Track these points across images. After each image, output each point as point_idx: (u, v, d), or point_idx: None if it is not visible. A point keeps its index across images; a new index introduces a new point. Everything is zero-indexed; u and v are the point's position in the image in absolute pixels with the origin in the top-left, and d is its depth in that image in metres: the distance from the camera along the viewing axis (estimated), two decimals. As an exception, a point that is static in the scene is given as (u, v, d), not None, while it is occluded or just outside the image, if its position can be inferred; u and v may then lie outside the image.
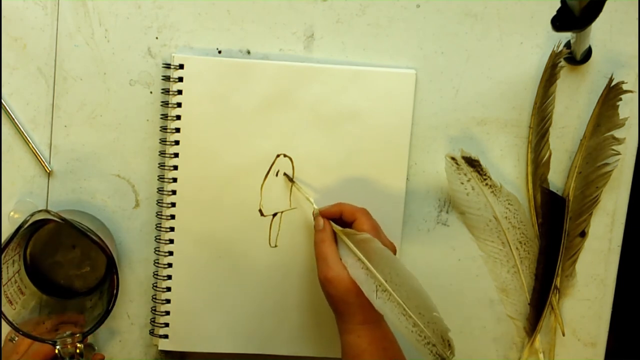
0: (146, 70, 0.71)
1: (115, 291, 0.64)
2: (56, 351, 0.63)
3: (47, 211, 0.62)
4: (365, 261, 0.61)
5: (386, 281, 0.61)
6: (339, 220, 0.65)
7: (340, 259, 0.63)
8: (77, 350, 0.63)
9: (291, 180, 0.70)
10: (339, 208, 0.65)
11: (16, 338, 0.67)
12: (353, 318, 0.62)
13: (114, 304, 0.64)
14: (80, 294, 0.72)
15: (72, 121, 0.71)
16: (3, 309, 0.62)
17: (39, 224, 0.68)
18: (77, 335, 0.63)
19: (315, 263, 0.64)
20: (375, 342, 0.62)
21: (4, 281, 0.64)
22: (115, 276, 0.64)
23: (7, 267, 0.65)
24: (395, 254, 0.65)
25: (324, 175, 0.71)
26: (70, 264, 0.72)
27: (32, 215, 0.61)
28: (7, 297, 0.65)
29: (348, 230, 0.64)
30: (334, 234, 0.65)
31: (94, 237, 0.63)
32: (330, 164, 0.71)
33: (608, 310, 0.75)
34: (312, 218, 0.68)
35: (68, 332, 0.64)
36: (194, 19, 0.71)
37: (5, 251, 0.62)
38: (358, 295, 0.61)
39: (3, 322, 0.62)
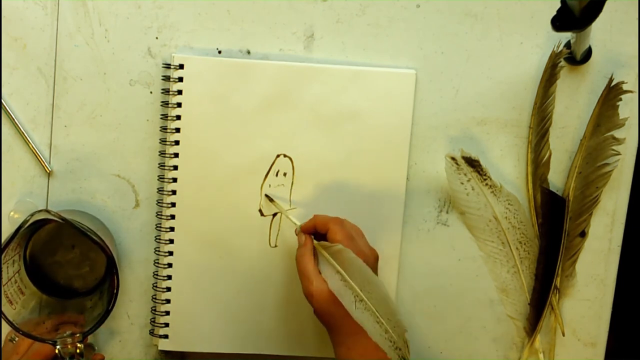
0: (146, 70, 0.71)
1: (115, 291, 0.63)
2: (56, 351, 0.63)
3: (47, 211, 0.62)
4: (343, 273, 0.61)
5: (361, 290, 0.60)
6: (319, 233, 0.65)
7: (320, 273, 0.62)
8: (77, 350, 0.63)
9: (271, 200, 0.70)
10: (312, 221, 0.65)
11: (16, 338, 0.67)
12: (341, 329, 0.62)
13: (114, 304, 0.64)
14: (80, 294, 0.72)
15: (72, 121, 0.71)
16: (3, 309, 0.62)
17: (39, 224, 0.68)
18: (77, 335, 0.63)
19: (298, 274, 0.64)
20: (368, 354, 0.61)
21: (4, 281, 0.64)
22: (115, 276, 0.64)
23: (7, 267, 0.65)
24: (377, 260, 0.65)
25: (323, 175, 0.71)
26: (70, 264, 0.72)
27: (32, 215, 0.61)
28: (7, 297, 0.64)
29: (323, 243, 0.63)
30: (315, 248, 0.64)
31: (94, 237, 0.63)
32: (330, 164, 0.71)
33: (608, 310, 0.75)
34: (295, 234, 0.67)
35: (68, 332, 0.64)
36: (194, 19, 0.71)
37: (5, 251, 0.62)
38: (339, 306, 0.61)
39: (3, 322, 0.62)
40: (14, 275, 0.67)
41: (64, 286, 0.72)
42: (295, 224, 0.67)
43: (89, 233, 0.63)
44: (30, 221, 0.61)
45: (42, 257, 0.71)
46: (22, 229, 0.60)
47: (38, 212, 0.62)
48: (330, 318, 0.62)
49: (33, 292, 0.70)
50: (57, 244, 0.71)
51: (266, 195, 0.71)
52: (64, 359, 0.63)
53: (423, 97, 0.72)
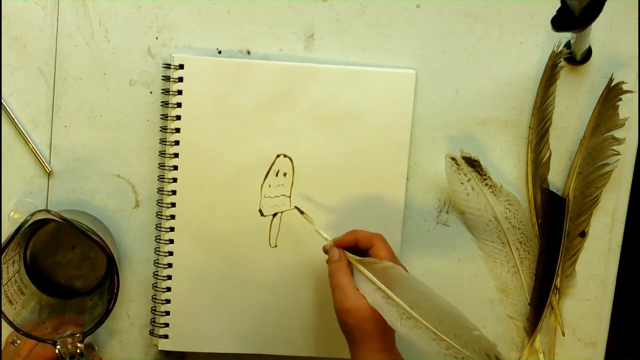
0: (146, 70, 0.71)
1: (115, 291, 0.64)
2: (56, 351, 0.63)
3: (47, 211, 0.62)
4: (386, 289, 0.60)
5: (412, 307, 0.59)
6: (353, 247, 0.64)
7: (357, 289, 0.62)
8: (78, 350, 0.63)
9: (301, 212, 0.69)
10: (354, 236, 0.64)
11: (18, 341, 0.67)
12: (370, 345, 0.61)
13: (114, 304, 0.64)
14: (80, 294, 0.72)
15: (72, 121, 0.71)
16: (3, 309, 0.62)
17: (39, 224, 0.68)
18: (77, 335, 0.63)
19: (331, 289, 0.62)
20: None
21: (4, 281, 0.64)
22: (115, 276, 0.64)
23: (7, 267, 0.65)
24: None
25: (324, 176, 0.71)
26: (70, 264, 0.72)
27: (32, 215, 0.61)
28: (7, 297, 0.65)
29: (366, 259, 0.62)
30: (349, 263, 0.64)
31: (94, 237, 0.63)
32: (330, 164, 0.71)
33: (608, 310, 0.75)
34: (323, 250, 0.66)
35: (68, 332, 0.64)
36: (194, 19, 0.71)
37: (5, 251, 0.62)
38: (377, 323, 0.60)
39: (3, 322, 0.62)
40: (14, 275, 0.67)
41: (64, 286, 0.72)
42: (326, 239, 0.65)
43: (89, 233, 0.63)
44: (30, 221, 0.61)
45: (42, 257, 0.71)
46: (22, 229, 0.60)
47: (38, 212, 0.62)
48: (363, 333, 0.61)
49: (33, 292, 0.70)
50: (57, 244, 0.71)
51: (296, 207, 0.70)
52: (64, 359, 0.63)
53: (423, 97, 0.72)
